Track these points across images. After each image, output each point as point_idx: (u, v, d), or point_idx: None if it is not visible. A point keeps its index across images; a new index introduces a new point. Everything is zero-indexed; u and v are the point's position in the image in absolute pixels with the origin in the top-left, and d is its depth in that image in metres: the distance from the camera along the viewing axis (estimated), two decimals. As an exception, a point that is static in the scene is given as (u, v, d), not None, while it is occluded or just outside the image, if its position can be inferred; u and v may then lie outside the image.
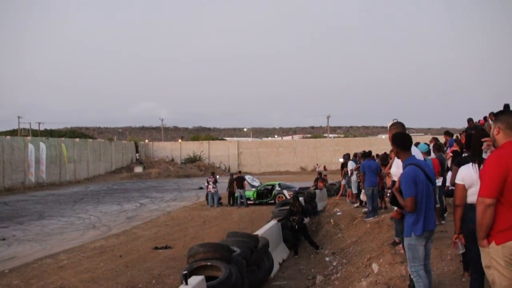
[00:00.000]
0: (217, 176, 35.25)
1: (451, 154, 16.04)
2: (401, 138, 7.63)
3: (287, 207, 19.27)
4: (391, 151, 17.99)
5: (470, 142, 7.82)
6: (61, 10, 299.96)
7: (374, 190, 18.44)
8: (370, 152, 21.82)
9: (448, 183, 10.39)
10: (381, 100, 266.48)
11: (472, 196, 6.85)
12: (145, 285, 13.63)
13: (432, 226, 7.31)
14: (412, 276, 7.34)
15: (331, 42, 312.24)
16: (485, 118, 22.31)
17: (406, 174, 7.36)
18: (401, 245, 12.00)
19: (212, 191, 33.15)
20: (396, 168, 8.80)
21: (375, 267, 11.14)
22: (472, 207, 6.84)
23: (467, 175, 7.00)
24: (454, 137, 21.50)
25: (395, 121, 8.97)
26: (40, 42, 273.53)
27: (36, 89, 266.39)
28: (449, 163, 15.65)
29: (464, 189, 6.99)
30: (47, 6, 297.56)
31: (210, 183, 33.15)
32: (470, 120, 22.48)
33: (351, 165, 24.28)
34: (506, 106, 19.51)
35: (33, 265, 16.92)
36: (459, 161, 8.76)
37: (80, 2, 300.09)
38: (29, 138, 63.08)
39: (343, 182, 29.36)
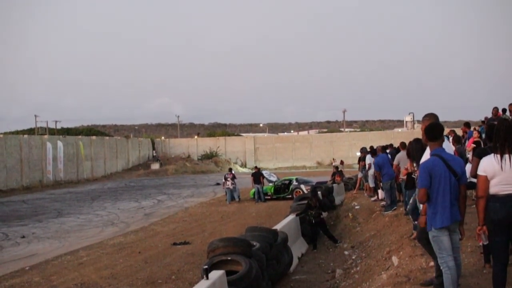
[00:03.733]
0: (234, 172, 35.03)
1: (474, 145, 15.94)
2: (430, 128, 7.58)
3: (305, 202, 19.24)
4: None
5: (492, 132, 7.75)
6: (76, 7, 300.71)
7: (392, 183, 18.39)
8: (375, 149, 21.77)
9: (468, 175, 10.33)
10: (397, 93, 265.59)
11: (494, 187, 6.80)
12: (164, 280, 13.65)
13: (451, 220, 7.24)
14: (441, 267, 7.28)
15: (347, 36, 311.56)
16: (504, 110, 22.05)
17: (422, 165, 7.35)
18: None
19: (231, 187, 33.03)
20: (424, 159, 8.76)
21: (395, 260, 11.11)
22: (494, 198, 6.79)
23: (489, 166, 6.93)
24: (472, 128, 21.36)
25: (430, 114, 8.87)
26: (55, 40, 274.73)
27: (52, 87, 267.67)
28: (469, 155, 15.57)
29: (487, 180, 6.93)
30: (60, 3, 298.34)
31: (228, 179, 33.03)
32: (495, 109, 21.94)
33: (368, 159, 24.20)
34: None
35: (53, 262, 17.00)
36: (479, 153, 8.70)
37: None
38: (46, 136, 63.30)
39: (359, 175, 29.32)
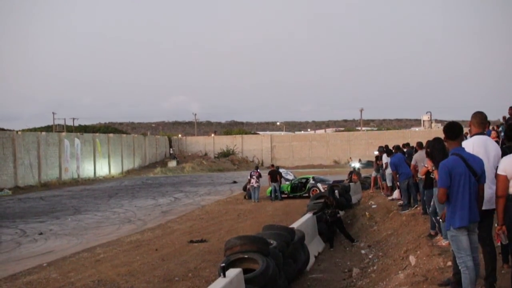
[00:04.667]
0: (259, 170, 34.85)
1: None
2: (449, 127, 7.55)
3: (322, 200, 19.21)
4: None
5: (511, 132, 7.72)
6: (95, 10, 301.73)
7: (409, 181, 18.34)
8: (393, 148, 21.70)
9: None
10: (414, 92, 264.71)
11: None
12: (181, 278, 13.66)
13: (470, 220, 7.20)
14: (460, 268, 7.26)
15: (365, 34, 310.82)
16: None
17: (442, 165, 7.31)
18: (438, 237, 11.95)
19: (255, 185, 32.92)
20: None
21: (412, 259, 11.08)
22: None
23: (509, 165, 6.90)
24: (490, 127, 21.20)
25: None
26: (74, 40, 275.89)
27: (69, 85, 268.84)
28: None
29: (507, 180, 6.91)
30: (80, 4, 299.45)
31: (254, 177, 32.93)
32: (511, 108, 21.63)
33: (385, 158, 24.13)
34: None
35: (71, 259, 17.05)
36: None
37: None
38: (64, 134, 63.62)
39: (373, 174, 29.24)
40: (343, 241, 17.78)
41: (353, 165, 40.65)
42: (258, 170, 33.62)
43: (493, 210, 7.62)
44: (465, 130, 23.80)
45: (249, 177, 33.44)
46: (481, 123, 7.98)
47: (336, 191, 22.58)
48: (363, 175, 35.48)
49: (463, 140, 7.65)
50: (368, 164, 53.06)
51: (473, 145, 7.77)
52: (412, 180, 18.21)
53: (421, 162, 15.48)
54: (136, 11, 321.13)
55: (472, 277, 7.11)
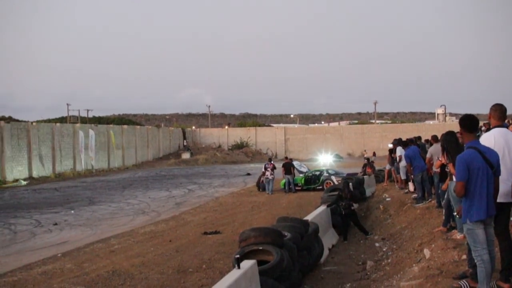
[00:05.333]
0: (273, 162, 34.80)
1: None
2: (465, 119, 7.51)
3: (336, 193, 19.19)
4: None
5: None
6: (107, 3, 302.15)
7: (423, 175, 18.29)
8: (409, 140, 21.62)
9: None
10: (429, 85, 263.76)
11: None
12: (195, 269, 13.70)
13: (487, 213, 7.17)
14: (475, 261, 7.24)
15: (379, 27, 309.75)
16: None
17: (460, 158, 7.26)
18: (454, 231, 11.92)
19: (270, 177, 32.91)
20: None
21: (426, 252, 11.05)
22: None
23: None
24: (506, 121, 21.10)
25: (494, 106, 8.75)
26: (87, 32, 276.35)
27: (83, 77, 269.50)
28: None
29: None
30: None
31: (269, 169, 32.90)
32: None
33: (399, 151, 24.05)
34: None
35: (85, 250, 17.14)
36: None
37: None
38: (78, 125, 63.82)
39: (387, 167, 29.17)
40: (357, 234, 17.78)
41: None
42: (272, 162, 33.60)
43: (510, 203, 7.59)
44: (480, 123, 23.72)
45: (263, 169, 33.43)
46: (501, 115, 7.92)
47: (350, 184, 22.57)
48: (377, 168, 35.42)
49: (478, 133, 7.62)
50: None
51: (494, 137, 7.72)
52: (426, 174, 18.17)
53: (436, 155, 15.44)
54: (151, 4, 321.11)
55: (488, 270, 7.09)
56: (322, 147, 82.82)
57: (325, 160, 39.64)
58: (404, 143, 21.25)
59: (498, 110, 7.96)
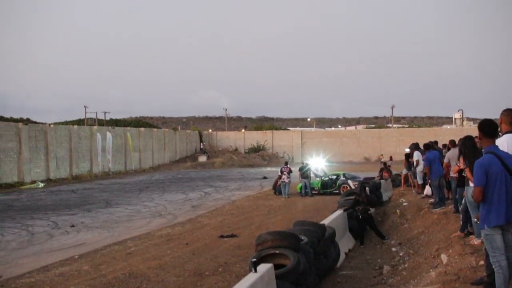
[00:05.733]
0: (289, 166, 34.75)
1: None
2: (484, 124, 7.47)
3: (353, 197, 19.16)
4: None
5: None
6: (126, 4, 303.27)
7: (440, 180, 18.22)
8: (431, 143, 21.54)
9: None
10: (446, 90, 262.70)
11: None
12: (212, 272, 13.72)
13: (505, 219, 7.13)
14: (493, 266, 7.21)
15: (396, 31, 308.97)
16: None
17: (478, 163, 7.23)
18: (471, 236, 11.87)
19: (286, 181, 32.83)
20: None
21: (444, 257, 11.02)
22: None
23: None
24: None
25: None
26: (104, 34, 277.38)
27: (100, 79, 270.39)
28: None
29: None
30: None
31: (285, 173, 32.85)
32: None
33: (417, 155, 23.97)
34: None
35: (102, 252, 17.20)
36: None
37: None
38: (95, 127, 64.02)
39: (404, 172, 29.04)
40: (374, 239, 17.74)
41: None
42: (289, 166, 33.59)
43: None
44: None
45: (279, 173, 33.42)
46: None
47: (367, 188, 22.54)
48: (393, 172, 35.33)
49: (496, 138, 7.56)
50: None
51: (507, 143, 7.68)
52: (443, 180, 18.12)
53: (454, 160, 15.39)
54: (168, 6, 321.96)
55: (506, 276, 7.06)
56: (338, 151, 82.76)
57: (316, 164, 39.04)
58: (427, 146, 21.13)
59: (510, 115, 7.91)
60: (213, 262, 14.94)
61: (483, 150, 7.50)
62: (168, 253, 16.52)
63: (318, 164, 39.33)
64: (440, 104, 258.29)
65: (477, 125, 7.74)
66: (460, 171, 13.15)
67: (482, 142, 7.52)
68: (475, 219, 10.06)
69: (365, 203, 18.20)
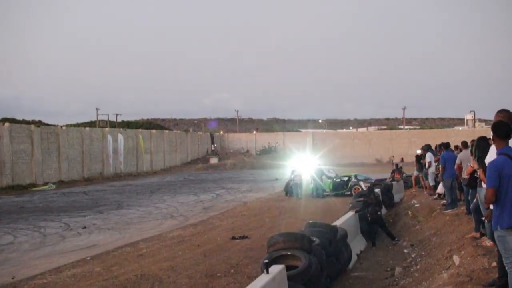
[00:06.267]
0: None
1: None
2: (498, 126, 7.46)
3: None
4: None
5: None
6: (132, 2, 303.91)
7: (453, 181, 18.19)
8: (448, 143, 21.48)
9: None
10: (458, 91, 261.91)
11: None
12: (223, 274, 13.71)
13: None
14: (506, 268, 7.19)
15: (406, 33, 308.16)
16: None
17: (491, 165, 7.23)
18: (483, 238, 11.84)
19: (298, 182, 32.80)
20: (490, 158, 8.58)
21: (456, 259, 10.99)
22: None
23: None
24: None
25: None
26: (115, 36, 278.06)
27: (112, 81, 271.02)
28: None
29: None
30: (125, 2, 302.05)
31: (297, 174, 32.83)
32: None
33: (429, 156, 23.95)
34: None
35: (114, 253, 17.23)
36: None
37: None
38: (107, 129, 64.23)
39: (415, 173, 28.96)
40: (385, 240, 17.72)
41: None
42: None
43: None
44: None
45: (291, 174, 33.39)
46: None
47: (377, 190, 22.50)
48: (405, 173, 35.25)
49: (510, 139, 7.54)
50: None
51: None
52: (455, 181, 18.08)
53: (466, 161, 15.36)
54: (179, 9, 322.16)
55: (519, 277, 7.05)
56: (350, 153, 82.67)
57: (306, 167, 36.12)
58: (444, 145, 21.02)
59: (506, 116, 7.91)
60: (224, 263, 14.93)
61: (496, 152, 7.48)
62: (179, 254, 16.52)
63: (308, 166, 36.56)
64: (452, 106, 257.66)
65: (489, 126, 7.75)
66: (473, 172, 13.12)
67: (495, 144, 7.50)
68: (484, 218, 10.05)
69: (375, 204, 18.17)
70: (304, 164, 34.54)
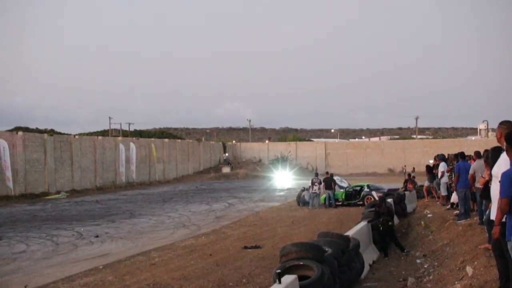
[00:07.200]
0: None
1: None
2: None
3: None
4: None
5: None
6: (148, 11, 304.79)
7: (466, 192, 18.09)
8: (464, 153, 21.37)
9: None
10: (471, 101, 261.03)
11: None
12: (235, 283, 13.69)
13: None
14: None
15: (420, 42, 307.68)
16: None
17: (505, 174, 7.19)
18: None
19: (317, 192, 32.86)
20: (498, 168, 8.55)
21: (469, 270, 10.92)
22: None
23: None
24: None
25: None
26: (128, 45, 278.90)
27: (125, 90, 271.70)
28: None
29: None
30: (137, 8, 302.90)
31: (316, 184, 32.93)
32: None
33: (442, 166, 23.87)
34: None
35: (126, 262, 17.25)
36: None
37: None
38: (120, 138, 64.48)
39: (426, 184, 28.83)
40: (398, 250, 17.64)
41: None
42: (319, 177, 33.57)
43: None
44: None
45: (310, 184, 33.37)
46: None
47: (390, 200, 22.44)
48: (418, 183, 35.14)
49: None
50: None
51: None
52: (469, 192, 17.98)
53: (479, 171, 15.29)
54: (191, 19, 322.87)
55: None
56: (362, 162, 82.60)
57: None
58: (461, 155, 20.90)
59: (510, 127, 7.90)
60: (236, 273, 14.90)
61: (510, 162, 7.45)
62: (191, 264, 16.52)
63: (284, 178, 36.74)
64: (465, 115, 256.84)
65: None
66: (486, 182, 13.05)
67: (509, 154, 7.47)
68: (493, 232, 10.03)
69: (386, 214, 18.12)
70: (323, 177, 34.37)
